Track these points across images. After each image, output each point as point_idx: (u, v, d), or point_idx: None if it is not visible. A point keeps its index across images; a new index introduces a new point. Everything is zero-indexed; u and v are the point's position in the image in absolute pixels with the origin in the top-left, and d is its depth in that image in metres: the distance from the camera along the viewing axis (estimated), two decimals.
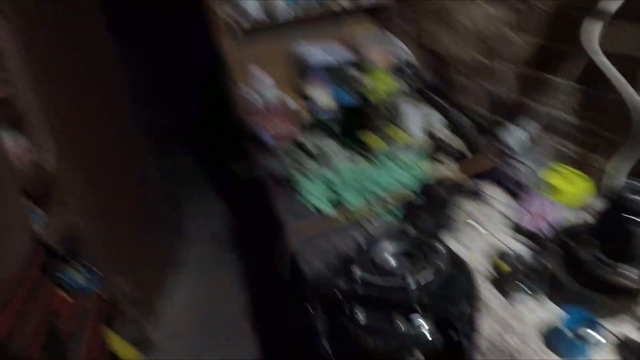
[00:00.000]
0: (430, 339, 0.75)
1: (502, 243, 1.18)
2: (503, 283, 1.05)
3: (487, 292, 1.07)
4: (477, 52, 1.67)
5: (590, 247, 0.97)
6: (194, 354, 2.25)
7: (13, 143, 1.63)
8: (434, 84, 1.84)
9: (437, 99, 1.78)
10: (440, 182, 1.29)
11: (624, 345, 0.86)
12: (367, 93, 1.70)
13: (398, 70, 1.88)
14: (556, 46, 1.32)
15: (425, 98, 1.79)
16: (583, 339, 0.85)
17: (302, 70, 2.20)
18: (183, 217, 3.21)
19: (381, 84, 1.66)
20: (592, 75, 1.18)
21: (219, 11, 2.01)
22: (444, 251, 0.82)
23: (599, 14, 1.10)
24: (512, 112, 1.54)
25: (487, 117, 1.68)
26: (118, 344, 1.98)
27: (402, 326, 0.76)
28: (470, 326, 0.76)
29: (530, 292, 1.02)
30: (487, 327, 0.97)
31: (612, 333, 0.90)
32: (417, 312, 0.74)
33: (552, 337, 0.92)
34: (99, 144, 2.22)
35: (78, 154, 1.97)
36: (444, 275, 0.77)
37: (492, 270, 1.11)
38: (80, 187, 1.95)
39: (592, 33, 1.12)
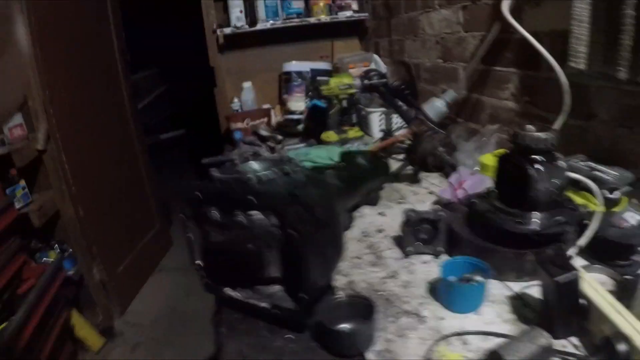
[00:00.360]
0: (268, 230, 0.71)
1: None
2: (403, 241, 0.98)
3: (388, 251, 1.00)
4: (436, 56, 1.71)
5: (492, 200, 0.91)
6: (152, 346, 2.18)
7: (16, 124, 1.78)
8: (398, 88, 1.86)
9: (398, 101, 1.79)
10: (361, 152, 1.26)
11: (520, 300, 0.77)
12: (329, 93, 1.72)
13: (365, 76, 1.93)
14: (499, 37, 1.33)
15: (386, 100, 1.81)
16: (466, 281, 0.77)
17: (283, 79, 2.28)
18: (169, 220, 3.22)
19: (339, 83, 1.68)
20: (528, 59, 1.18)
21: (206, 18, 2.14)
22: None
23: None
24: (465, 109, 1.53)
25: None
26: (80, 324, 1.97)
27: (244, 219, 0.73)
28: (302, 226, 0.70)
29: (428, 250, 0.95)
30: (374, 276, 0.91)
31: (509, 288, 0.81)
32: (255, 206, 0.71)
33: (435, 284, 0.84)
34: (93, 135, 2.32)
35: (70, 141, 2.06)
36: (286, 180, 0.74)
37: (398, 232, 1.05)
38: (66, 170, 2.03)
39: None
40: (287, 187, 0.74)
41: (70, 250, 2.06)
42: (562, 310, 0.65)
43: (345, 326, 0.72)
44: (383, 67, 2.13)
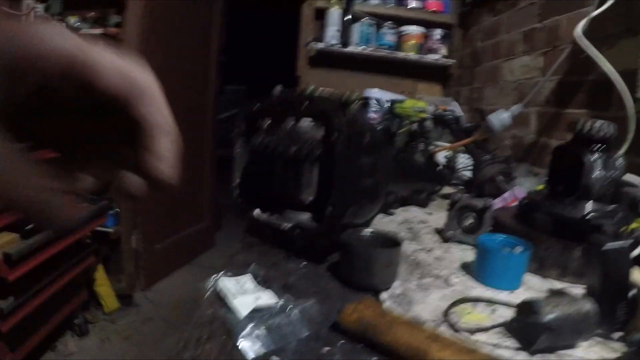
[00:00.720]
0: (312, 136, 0.71)
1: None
2: (445, 226, 0.94)
3: (427, 235, 0.96)
4: (512, 102, 1.69)
5: (543, 192, 0.86)
6: (161, 326, 2.16)
7: None
8: (469, 128, 1.84)
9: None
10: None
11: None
12: (402, 111, 1.74)
13: (440, 117, 1.94)
14: (572, 79, 1.32)
15: (456, 137, 1.79)
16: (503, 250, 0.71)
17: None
18: (217, 224, 3.29)
19: (414, 104, 1.71)
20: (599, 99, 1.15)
21: (303, 31, 2.30)
22: None
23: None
24: (532, 152, 1.49)
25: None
26: (102, 281, 2.01)
27: (293, 126, 0.74)
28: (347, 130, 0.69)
29: (469, 240, 0.89)
30: (407, 247, 0.86)
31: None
32: (307, 111, 0.72)
33: (471, 264, 0.78)
34: (172, 105, 2.45)
35: None
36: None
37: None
38: None
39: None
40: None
41: (118, 209, 2.14)
42: (607, 291, 0.56)
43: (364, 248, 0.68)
44: (459, 112, 2.13)
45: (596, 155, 0.74)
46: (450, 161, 1.74)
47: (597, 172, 0.73)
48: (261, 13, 4.29)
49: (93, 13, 2.24)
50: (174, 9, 2.40)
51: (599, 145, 0.75)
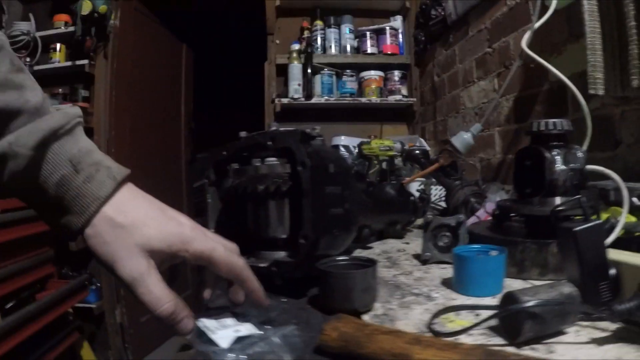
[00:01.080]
0: (279, 170, 0.72)
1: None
2: (421, 248, 0.94)
3: (405, 261, 0.96)
4: None
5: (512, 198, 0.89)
6: None
7: None
8: (437, 160, 1.89)
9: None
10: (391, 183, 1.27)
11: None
12: (369, 152, 1.79)
13: (408, 153, 2.00)
14: (526, 93, 1.39)
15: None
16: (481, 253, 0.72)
17: None
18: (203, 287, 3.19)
19: (380, 144, 1.76)
20: (556, 105, 1.21)
21: (267, 89, 2.39)
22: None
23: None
24: (500, 172, 1.53)
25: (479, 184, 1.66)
26: (89, 358, 1.94)
27: (258, 164, 0.76)
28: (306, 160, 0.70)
29: (446, 258, 0.90)
30: (386, 273, 0.86)
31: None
32: (271, 149, 0.75)
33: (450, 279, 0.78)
34: (146, 185, 2.49)
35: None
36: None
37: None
38: None
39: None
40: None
41: (99, 284, 2.09)
42: (587, 272, 0.56)
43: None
44: (427, 147, 2.19)
45: (556, 151, 0.77)
46: (424, 193, 1.78)
47: (559, 167, 0.76)
48: (227, 77, 4.45)
49: (61, 89, 2.28)
50: (142, 81, 2.48)
51: (557, 141, 0.78)
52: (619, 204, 0.79)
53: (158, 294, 0.44)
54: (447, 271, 0.84)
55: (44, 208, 0.45)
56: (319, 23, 2.46)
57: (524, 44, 1.15)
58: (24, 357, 1.46)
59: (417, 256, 0.97)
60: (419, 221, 1.36)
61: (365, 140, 2.33)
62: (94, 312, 2.02)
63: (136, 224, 0.44)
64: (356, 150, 2.28)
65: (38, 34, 2.31)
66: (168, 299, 0.44)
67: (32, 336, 1.50)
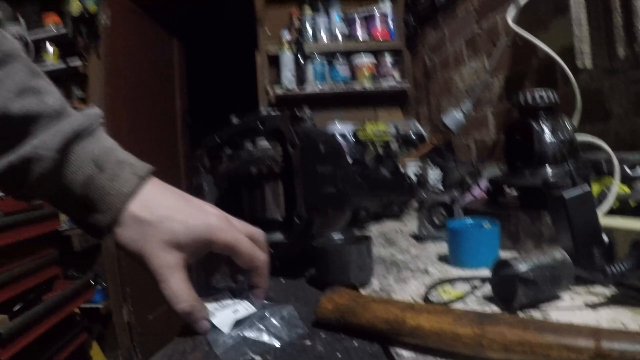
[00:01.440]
0: (271, 153, 0.73)
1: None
2: (417, 227, 0.95)
3: (402, 240, 0.97)
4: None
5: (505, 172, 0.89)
6: None
7: None
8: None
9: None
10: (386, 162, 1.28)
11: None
12: (364, 137, 1.80)
13: (404, 137, 2.00)
14: (516, 70, 1.39)
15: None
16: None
17: None
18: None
19: (374, 128, 1.76)
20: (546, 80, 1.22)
21: (260, 77, 2.38)
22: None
23: None
24: (496, 151, 1.54)
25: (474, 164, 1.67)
26: (99, 358, 1.95)
27: (249, 148, 0.76)
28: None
29: (443, 235, 0.90)
30: (383, 251, 0.87)
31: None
32: (261, 132, 0.75)
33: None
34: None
35: None
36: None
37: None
38: None
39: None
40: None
41: (105, 284, 2.10)
42: (580, 238, 0.56)
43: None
44: (422, 130, 2.20)
45: (544, 123, 0.77)
46: (421, 176, 1.79)
47: (548, 137, 0.76)
48: (219, 68, 4.43)
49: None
50: (135, 78, 2.47)
51: (544, 112, 0.78)
52: (611, 174, 0.80)
53: (178, 292, 0.46)
54: (444, 248, 0.84)
55: (71, 208, 0.46)
56: (307, 10, 2.45)
57: (509, 19, 1.14)
58: (33, 358, 1.48)
59: (414, 235, 0.98)
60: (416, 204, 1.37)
61: (359, 126, 2.34)
62: (100, 312, 2.03)
63: (162, 219, 0.45)
64: (351, 135, 2.29)
65: (30, 38, 2.29)
66: (187, 298, 0.46)
67: (41, 337, 1.51)
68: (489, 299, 0.55)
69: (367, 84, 2.35)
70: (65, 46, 2.28)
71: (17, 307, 1.46)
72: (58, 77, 2.28)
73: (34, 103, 0.42)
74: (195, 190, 0.89)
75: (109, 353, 2.07)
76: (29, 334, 1.44)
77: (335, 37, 2.43)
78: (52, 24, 2.33)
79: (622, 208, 0.74)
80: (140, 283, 2.28)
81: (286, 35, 2.38)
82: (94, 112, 0.47)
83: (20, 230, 1.53)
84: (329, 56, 2.40)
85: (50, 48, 2.32)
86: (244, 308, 0.55)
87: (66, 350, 1.65)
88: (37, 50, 2.28)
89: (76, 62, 2.22)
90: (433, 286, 0.61)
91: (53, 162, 0.42)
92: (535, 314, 0.50)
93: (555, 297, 0.53)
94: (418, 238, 0.93)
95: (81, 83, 2.27)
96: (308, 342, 0.48)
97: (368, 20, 2.47)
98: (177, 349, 0.49)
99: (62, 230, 1.87)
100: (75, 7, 2.10)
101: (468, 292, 0.54)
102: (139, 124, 2.49)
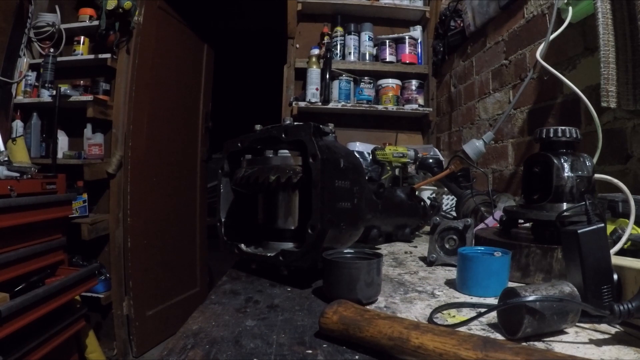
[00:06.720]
0: (291, 163, 0.74)
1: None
2: (427, 250, 0.95)
3: (412, 262, 0.97)
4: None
5: (521, 203, 0.89)
6: None
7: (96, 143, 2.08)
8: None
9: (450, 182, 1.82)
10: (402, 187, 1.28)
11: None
12: (382, 158, 1.81)
13: (422, 161, 2.00)
14: (542, 105, 1.39)
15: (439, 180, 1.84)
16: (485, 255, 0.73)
17: None
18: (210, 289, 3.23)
19: (394, 150, 1.77)
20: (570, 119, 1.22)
21: (285, 91, 2.42)
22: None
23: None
24: (512, 184, 1.53)
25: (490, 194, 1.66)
26: (93, 347, 1.97)
27: (272, 157, 0.78)
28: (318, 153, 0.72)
29: (452, 261, 0.90)
30: (391, 272, 0.87)
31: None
32: (284, 141, 0.77)
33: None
34: (160, 180, 2.53)
35: (138, 175, 2.29)
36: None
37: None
38: (127, 201, 2.22)
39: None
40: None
41: (108, 275, 2.12)
42: (589, 274, 0.56)
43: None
44: (440, 157, 2.20)
45: (563, 158, 0.77)
46: (435, 201, 1.78)
47: (567, 173, 0.76)
48: (245, 78, 4.50)
49: (82, 81, 2.34)
50: (162, 77, 2.53)
51: (565, 149, 0.78)
52: (627, 216, 0.79)
53: None
54: (452, 273, 0.85)
55: None
56: (339, 29, 2.50)
57: (538, 55, 1.16)
58: (30, 340, 1.49)
59: (423, 258, 0.98)
60: (428, 228, 1.37)
61: (379, 146, 2.35)
62: (101, 303, 2.05)
63: None
64: (370, 157, 2.30)
65: (63, 26, 2.38)
66: None
67: (39, 320, 1.53)
68: (493, 326, 0.55)
69: (391, 106, 2.37)
70: (97, 39, 2.35)
71: (19, 288, 1.48)
72: (87, 68, 2.35)
73: None
74: (211, 198, 0.91)
75: (104, 343, 2.08)
76: (27, 315, 1.46)
77: (364, 57, 2.47)
78: (86, 17, 2.42)
79: (635, 249, 0.74)
80: (143, 279, 2.31)
81: (315, 52, 2.43)
82: None
83: (32, 213, 1.57)
84: (356, 76, 2.43)
85: (82, 39, 2.40)
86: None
87: (62, 335, 1.67)
88: (69, 41, 2.37)
89: (105, 55, 2.29)
90: (438, 309, 0.61)
91: None
92: (539, 345, 0.50)
93: (561, 331, 0.53)
94: (427, 261, 0.92)
95: (108, 76, 2.34)
96: (309, 352, 0.49)
97: (397, 43, 2.50)
98: (177, 344, 0.50)
99: (73, 217, 1.90)
100: (111, 2, 2.17)
101: (473, 318, 0.54)
102: (160, 122, 2.54)
